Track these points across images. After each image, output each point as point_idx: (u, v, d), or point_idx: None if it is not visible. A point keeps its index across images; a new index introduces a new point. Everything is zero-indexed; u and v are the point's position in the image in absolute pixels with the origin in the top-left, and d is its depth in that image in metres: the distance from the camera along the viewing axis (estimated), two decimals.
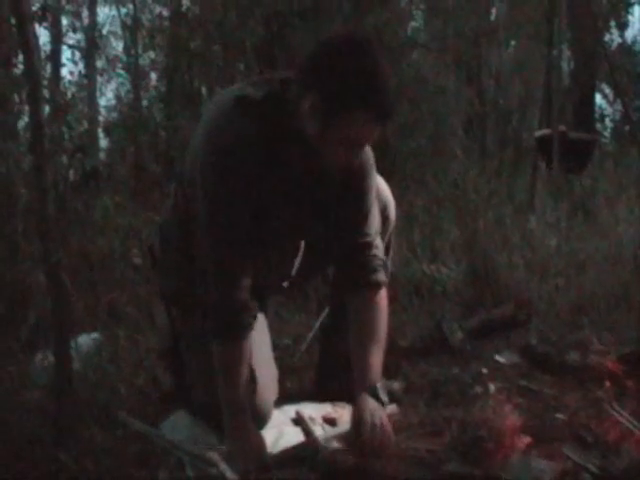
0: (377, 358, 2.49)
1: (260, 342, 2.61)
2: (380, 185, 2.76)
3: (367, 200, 2.58)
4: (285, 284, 2.86)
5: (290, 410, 2.69)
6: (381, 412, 2.38)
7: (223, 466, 2.21)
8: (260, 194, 2.40)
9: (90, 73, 16.41)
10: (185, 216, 2.59)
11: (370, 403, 2.38)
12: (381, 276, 2.59)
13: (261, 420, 2.55)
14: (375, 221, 2.63)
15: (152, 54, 12.23)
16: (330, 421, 2.65)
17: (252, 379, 2.49)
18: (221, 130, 2.34)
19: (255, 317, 2.46)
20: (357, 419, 2.35)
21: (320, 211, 2.57)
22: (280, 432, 2.54)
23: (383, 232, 2.74)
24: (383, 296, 2.60)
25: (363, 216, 2.58)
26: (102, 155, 10.93)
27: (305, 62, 2.32)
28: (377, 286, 2.59)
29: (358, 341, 2.53)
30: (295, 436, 2.52)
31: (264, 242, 2.49)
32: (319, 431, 2.55)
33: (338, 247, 2.61)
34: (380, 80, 2.25)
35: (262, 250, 2.51)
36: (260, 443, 2.40)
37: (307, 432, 2.53)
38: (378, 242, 2.62)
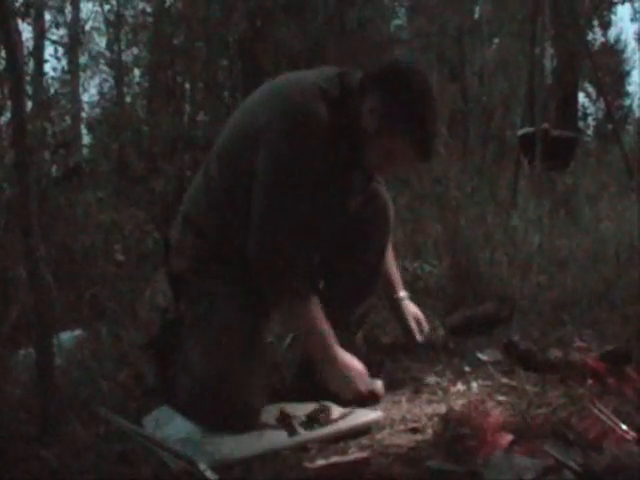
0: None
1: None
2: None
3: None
4: None
5: (273, 409, 2.66)
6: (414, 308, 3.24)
7: (203, 466, 2.20)
8: (319, 170, 2.68)
9: (73, 69, 16.32)
10: (220, 192, 2.76)
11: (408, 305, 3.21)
12: None
13: (248, 420, 2.56)
14: None
15: (135, 50, 12.22)
16: (315, 419, 2.63)
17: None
18: (302, 107, 2.63)
19: None
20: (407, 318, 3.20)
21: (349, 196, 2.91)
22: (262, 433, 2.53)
23: (384, 232, 3.03)
24: None
25: None
26: (85, 151, 10.88)
27: (378, 70, 2.74)
28: None
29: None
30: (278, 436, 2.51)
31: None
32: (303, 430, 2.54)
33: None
34: (433, 120, 2.70)
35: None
36: (365, 369, 2.74)
37: (291, 431, 2.52)
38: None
